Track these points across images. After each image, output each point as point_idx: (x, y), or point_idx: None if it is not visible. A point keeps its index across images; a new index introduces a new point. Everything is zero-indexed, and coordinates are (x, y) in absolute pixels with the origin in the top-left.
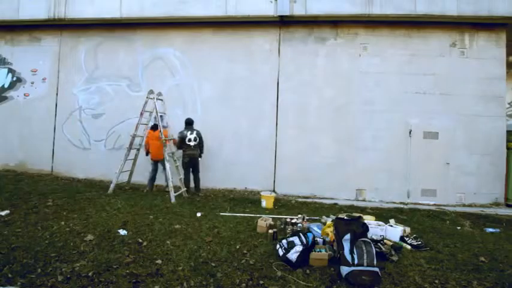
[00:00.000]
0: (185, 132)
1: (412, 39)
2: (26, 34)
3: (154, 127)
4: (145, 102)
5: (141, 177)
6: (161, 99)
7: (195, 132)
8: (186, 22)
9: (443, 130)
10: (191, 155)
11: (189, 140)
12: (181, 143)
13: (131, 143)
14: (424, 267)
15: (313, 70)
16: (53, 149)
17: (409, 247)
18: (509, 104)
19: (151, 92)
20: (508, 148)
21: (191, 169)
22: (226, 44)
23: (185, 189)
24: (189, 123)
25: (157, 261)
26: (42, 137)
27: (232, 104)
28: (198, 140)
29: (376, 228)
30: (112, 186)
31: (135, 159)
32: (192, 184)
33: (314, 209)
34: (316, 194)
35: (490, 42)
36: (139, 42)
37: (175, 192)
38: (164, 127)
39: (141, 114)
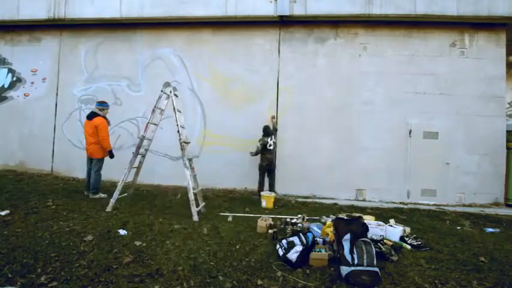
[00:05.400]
0: (266, 139)
1: (412, 39)
2: (26, 34)
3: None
4: (159, 97)
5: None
6: (176, 95)
7: (273, 137)
8: (186, 22)
9: (443, 130)
10: (271, 159)
11: (270, 146)
12: (264, 149)
13: (138, 147)
14: (424, 267)
15: (313, 70)
16: (53, 149)
17: (409, 247)
18: (509, 104)
19: (167, 84)
20: (508, 148)
21: (266, 173)
22: (226, 44)
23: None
24: (267, 131)
25: (157, 261)
26: (42, 137)
27: (232, 104)
28: (275, 144)
29: (376, 228)
30: (112, 201)
31: (138, 168)
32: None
33: (314, 209)
34: (316, 194)
35: (489, 42)
36: (139, 42)
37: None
38: (102, 107)
39: (153, 111)
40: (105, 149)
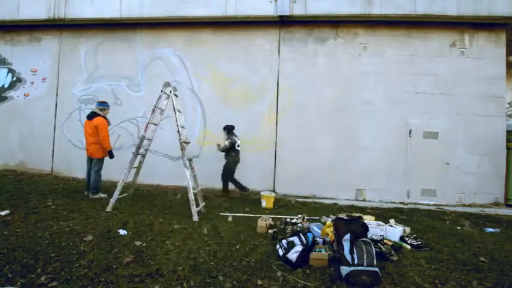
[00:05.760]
0: (235, 138)
1: (412, 39)
2: (26, 34)
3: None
4: (159, 97)
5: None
6: (176, 95)
7: (239, 137)
8: (186, 22)
9: (443, 130)
10: (238, 161)
11: (238, 146)
12: (231, 148)
13: (138, 147)
14: (424, 267)
15: (313, 70)
16: (53, 149)
17: (409, 247)
18: (509, 104)
19: (167, 84)
20: (508, 148)
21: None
22: (226, 44)
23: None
24: (233, 129)
25: (157, 261)
26: (42, 137)
27: (232, 104)
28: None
29: (376, 228)
30: (112, 201)
31: (138, 168)
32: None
33: (314, 209)
34: (316, 194)
35: (489, 42)
36: (139, 42)
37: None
38: (102, 107)
39: (153, 111)
40: (105, 149)
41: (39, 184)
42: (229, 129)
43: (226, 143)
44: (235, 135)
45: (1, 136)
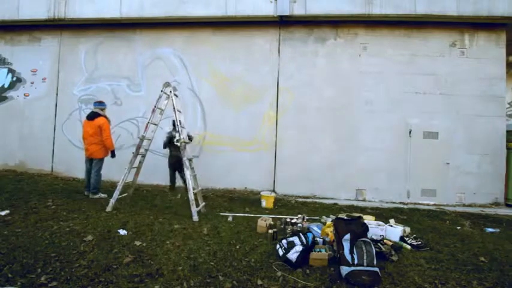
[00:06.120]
0: (174, 132)
1: (412, 39)
2: (26, 34)
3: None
4: (159, 97)
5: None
6: (176, 95)
7: (184, 134)
8: (186, 22)
9: (443, 130)
10: (178, 156)
11: (177, 141)
12: (168, 143)
13: (138, 147)
14: (424, 267)
15: (313, 70)
16: (53, 149)
17: (409, 247)
18: (509, 104)
19: (167, 84)
20: (508, 148)
21: (177, 170)
22: (226, 44)
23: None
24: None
25: (157, 261)
26: (42, 137)
27: (232, 104)
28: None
29: (376, 228)
30: (112, 201)
31: (139, 168)
32: (177, 183)
33: (314, 209)
34: (316, 194)
35: (489, 42)
36: (139, 42)
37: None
38: (103, 107)
39: (153, 111)
40: (107, 149)
41: (39, 184)
42: (173, 124)
43: (165, 137)
44: (178, 131)
45: (1, 136)
